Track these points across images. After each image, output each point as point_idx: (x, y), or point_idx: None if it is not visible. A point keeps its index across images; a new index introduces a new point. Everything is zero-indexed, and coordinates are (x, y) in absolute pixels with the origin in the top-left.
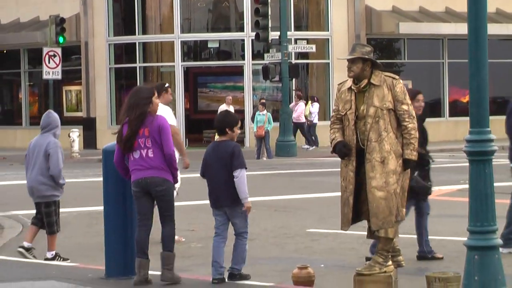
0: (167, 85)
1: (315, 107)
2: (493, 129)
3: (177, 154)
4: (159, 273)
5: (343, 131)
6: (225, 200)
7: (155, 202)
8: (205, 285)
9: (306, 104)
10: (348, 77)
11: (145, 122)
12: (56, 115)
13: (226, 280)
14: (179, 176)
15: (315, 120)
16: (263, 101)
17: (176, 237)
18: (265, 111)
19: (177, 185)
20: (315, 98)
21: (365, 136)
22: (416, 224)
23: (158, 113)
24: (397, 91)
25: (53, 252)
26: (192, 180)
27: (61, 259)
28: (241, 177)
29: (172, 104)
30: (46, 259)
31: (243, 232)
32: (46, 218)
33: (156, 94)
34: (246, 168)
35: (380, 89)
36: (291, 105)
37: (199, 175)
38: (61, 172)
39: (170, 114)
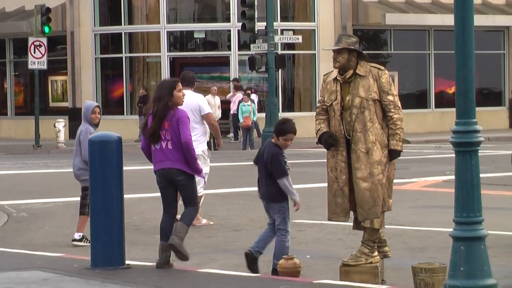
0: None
1: (252, 98)
2: (479, 120)
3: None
4: (152, 263)
5: (329, 122)
6: (263, 194)
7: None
8: (192, 274)
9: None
10: (334, 67)
11: (167, 115)
12: (85, 103)
13: (270, 274)
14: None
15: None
16: (248, 91)
17: (204, 221)
18: (249, 102)
19: (205, 170)
20: (253, 89)
21: (350, 126)
22: None
23: (193, 101)
24: (383, 81)
25: (81, 234)
26: None
27: (88, 241)
28: (284, 185)
29: None
30: (74, 240)
31: (282, 229)
32: (81, 199)
33: (179, 87)
34: (287, 175)
35: (365, 79)
36: (228, 96)
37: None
38: None
39: (204, 102)
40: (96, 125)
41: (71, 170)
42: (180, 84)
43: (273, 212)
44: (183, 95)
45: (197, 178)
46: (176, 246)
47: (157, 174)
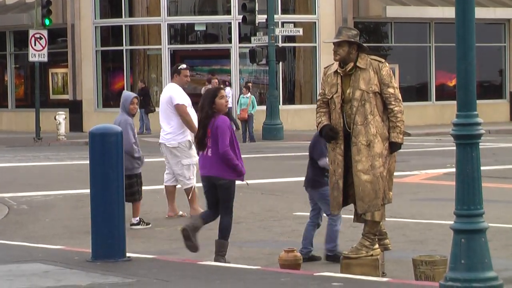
0: (181, 66)
1: (227, 91)
2: (480, 112)
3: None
4: (152, 256)
5: (329, 114)
6: (306, 181)
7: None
8: (193, 267)
9: None
10: (334, 60)
11: (209, 123)
12: (124, 94)
13: (323, 259)
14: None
15: (228, 104)
16: (249, 84)
17: (180, 213)
18: (249, 94)
19: (188, 162)
20: (227, 83)
21: (351, 119)
22: None
23: (166, 92)
24: (383, 74)
25: (138, 218)
26: None
27: (145, 224)
28: (324, 164)
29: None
30: (132, 224)
31: (330, 214)
32: (128, 189)
33: (221, 94)
34: (325, 157)
35: (366, 72)
36: (202, 90)
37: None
38: (134, 146)
39: (176, 93)
40: (133, 116)
41: (71, 162)
42: (222, 91)
43: (317, 200)
44: (227, 102)
45: (182, 171)
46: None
47: (201, 179)
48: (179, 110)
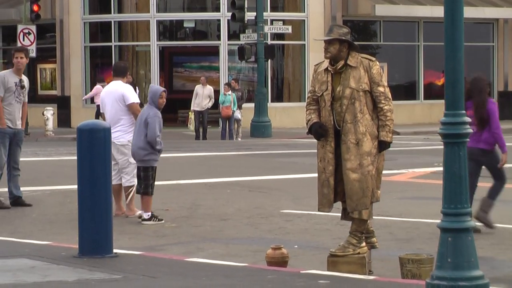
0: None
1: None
2: None
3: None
4: (139, 252)
5: (319, 112)
6: None
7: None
8: (179, 263)
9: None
10: (325, 58)
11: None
12: (152, 87)
13: None
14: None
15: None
16: (233, 82)
17: (138, 213)
18: (230, 92)
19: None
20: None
21: (341, 117)
22: None
23: (118, 90)
24: (374, 72)
25: (149, 213)
26: (166, 159)
27: (157, 219)
28: None
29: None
30: (144, 219)
31: None
32: (144, 181)
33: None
34: None
35: (356, 70)
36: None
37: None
38: (157, 139)
39: (129, 92)
40: (160, 109)
41: (59, 158)
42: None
43: None
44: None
45: (129, 168)
46: (479, 219)
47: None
48: (134, 108)
